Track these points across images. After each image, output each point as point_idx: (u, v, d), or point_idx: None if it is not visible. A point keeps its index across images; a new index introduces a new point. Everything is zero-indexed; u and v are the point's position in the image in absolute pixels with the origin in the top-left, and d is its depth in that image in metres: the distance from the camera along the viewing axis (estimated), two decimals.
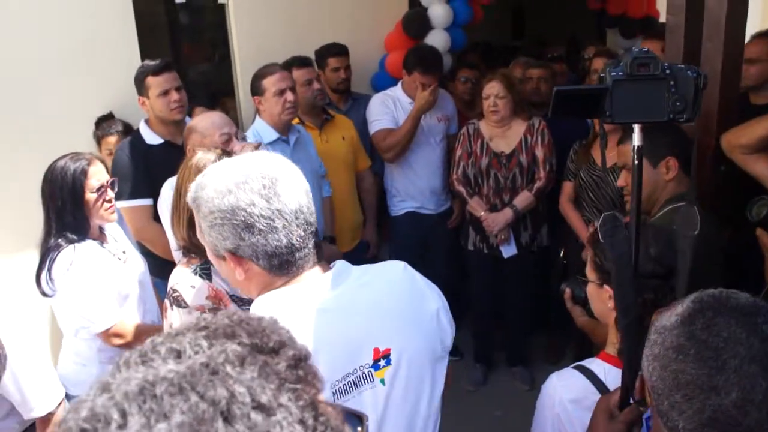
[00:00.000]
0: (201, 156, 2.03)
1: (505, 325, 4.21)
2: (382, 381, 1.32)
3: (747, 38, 2.91)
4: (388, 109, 3.87)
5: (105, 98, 3.51)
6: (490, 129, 3.73)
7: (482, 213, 3.69)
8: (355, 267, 1.45)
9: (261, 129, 3.18)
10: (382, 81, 4.30)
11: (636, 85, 1.21)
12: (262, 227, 1.24)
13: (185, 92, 3.16)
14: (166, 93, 3.05)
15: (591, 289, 1.72)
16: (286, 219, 1.25)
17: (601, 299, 1.68)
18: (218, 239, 1.28)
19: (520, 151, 3.67)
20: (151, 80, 3.06)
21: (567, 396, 1.58)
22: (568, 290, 1.95)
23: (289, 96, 3.12)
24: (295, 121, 3.46)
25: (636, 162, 1.25)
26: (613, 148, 3.15)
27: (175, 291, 1.87)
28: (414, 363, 1.37)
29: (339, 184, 3.66)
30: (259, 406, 0.55)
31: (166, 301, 1.89)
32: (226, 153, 2.08)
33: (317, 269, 1.35)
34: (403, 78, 3.91)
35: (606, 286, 1.65)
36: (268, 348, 0.61)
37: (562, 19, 7.88)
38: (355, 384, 1.29)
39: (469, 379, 4.15)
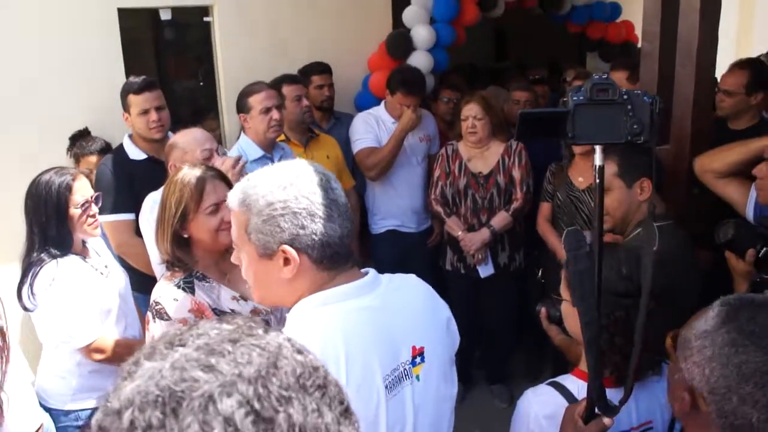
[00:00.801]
0: (187, 171, 2.06)
1: (484, 344, 4.25)
2: (418, 377, 1.40)
3: (721, 65, 3.00)
4: (371, 128, 3.93)
5: (88, 114, 3.53)
6: (468, 150, 3.80)
7: (459, 233, 3.74)
8: (382, 276, 1.52)
9: (246, 146, 3.21)
10: (365, 100, 4.36)
11: (596, 109, 1.28)
12: (322, 215, 1.31)
13: (168, 111, 3.19)
14: (146, 112, 3.09)
15: (565, 308, 1.76)
16: (340, 210, 1.34)
17: (575, 317, 1.72)
18: (274, 232, 1.31)
19: (498, 171, 3.73)
20: (132, 98, 3.10)
21: (542, 412, 1.62)
22: (543, 310, 1.99)
23: (275, 114, 3.17)
24: (280, 138, 3.50)
25: (598, 181, 1.32)
26: (589, 168, 3.23)
27: (158, 304, 1.89)
28: (440, 362, 1.46)
29: None
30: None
31: (149, 314, 1.91)
32: (210, 168, 2.11)
33: (355, 269, 1.42)
34: (386, 98, 3.97)
35: None
36: (315, 385, 0.67)
37: (544, 43, 7.99)
38: (399, 379, 1.37)
39: None
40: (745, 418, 0.98)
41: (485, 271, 3.77)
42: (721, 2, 2.51)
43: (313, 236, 1.31)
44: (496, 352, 4.20)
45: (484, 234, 3.70)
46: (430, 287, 1.58)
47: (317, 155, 3.73)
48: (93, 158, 3.41)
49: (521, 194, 3.71)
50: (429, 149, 4.12)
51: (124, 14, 3.69)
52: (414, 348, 1.40)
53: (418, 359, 1.40)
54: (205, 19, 4.09)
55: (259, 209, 1.32)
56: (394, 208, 4.05)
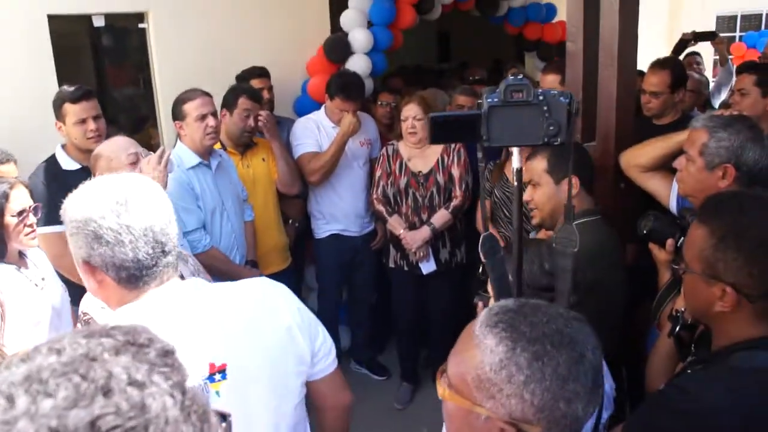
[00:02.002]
0: None
1: (431, 342, 4.30)
2: (218, 393, 1.40)
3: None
4: (312, 133, 3.94)
5: (17, 123, 3.44)
6: (408, 150, 3.85)
7: (401, 231, 3.80)
8: (211, 284, 1.56)
9: (182, 154, 3.19)
10: (305, 105, 4.37)
11: (511, 111, 1.25)
12: (109, 239, 1.33)
13: (104, 120, 3.15)
14: (83, 122, 3.05)
15: (492, 304, 1.80)
16: (134, 235, 1.34)
17: None
18: (76, 247, 1.36)
19: (438, 170, 3.80)
20: (68, 107, 3.04)
21: None
22: (480, 304, 2.03)
23: (211, 121, 3.15)
24: (217, 145, 3.49)
25: (515, 183, 1.32)
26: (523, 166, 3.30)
27: (86, 314, 1.88)
28: (253, 378, 1.45)
29: (262, 207, 3.70)
30: (134, 382, 0.64)
31: (78, 325, 1.90)
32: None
33: (168, 286, 1.43)
34: (326, 103, 3.99)
35: None
36: (139, 342, 0.70)
37: (485, 44, 8.12)
38: None
39: (397, 398, 4.22)
40: (574, 415, 0.99)
41: (427, 267, 3.84)
42: (639, 3, 2.59)
43: (103, 257, 1.35)
44: (442, 349, 4.24)
45: (424, 232, 3.77)
46: (278, 293, 1.59)
47: (254, 162, 3.74)
48: (7, 168, 3.26)
49: (460, 192, 3.78)
50: (370, 153, 4.16)
51: (56, 21, 3.62)
52: (212, 365, 1.40)
53: (217, 376, 1.40)
54: (140, 25, 4.04)
55: (66, 224, 1.38)
56: (337, 211, 4.07)
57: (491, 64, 7.45)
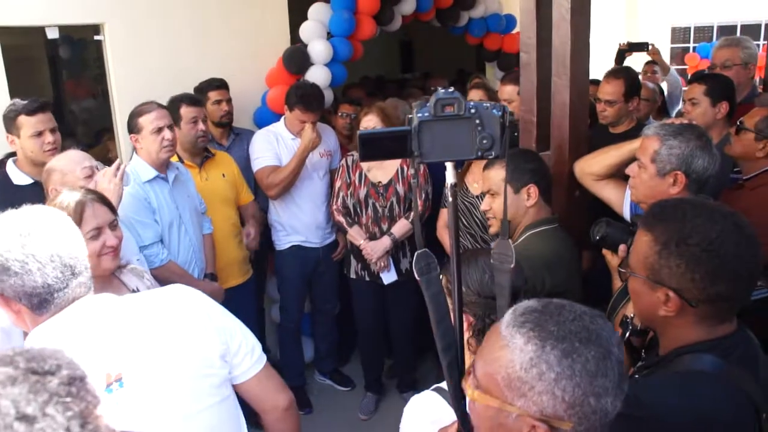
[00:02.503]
0: (65, 195, 2.01)
1: (394, 351, 4.31)
2: (117, 403, 1.44)
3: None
4: (271, 145, 3.93)
5: None
6: None
7: (361, 242, 3.80)
8: (122, 297, 1.61)
9: (139, 167, 3.14)
10: (264, 116, 4.34)
11: (443, 125, 1.22)
12: (17, 270, 1.40)
13: (59, 133, 3.10)
14: (39, 134, 3.00)
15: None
16: (41, 262, 1.42)
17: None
18: None
19: (397, 180, 3.81)
20: (23, 120, 2.99)
21: (428, 417, 1.66)
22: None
23: (167, 134, 3.11)
24: (175, 158, 3.45)
25: (450, 199, 1.28)
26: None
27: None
28: (152, 384, 1.49)
29: (221, 220, 3.66)
30: (22, 417, 0.62)
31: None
32: (90, 191, 2.07)
33: (78, 304, 1.50)
34: (285, 114, 3.97)
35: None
36: (44, 370, 0.68)
37: (449, 54, 8.19)
38: None
39: (361, 409, 4.21)
40: (603, 410, 1.01)
41: (388, 277, 3.84)
42: (590, 13, 2.64)
43: (14, 287, 1.42)
44: (405, 359, 4.26)
45: (385, 242, 3.77)
46: (187, 299, 1.64)
47: (212, 174, 3.70)
48: None
49: (420, 202, 3.80)
50: (330, 164, 4.15)
51: (8, 33, 3.55)
52: (109, 375, 1.45)
53: (115, 386, 1.45)
54: (96, 37, 3.98)
55: None
56: (297, 223, 4.05)
57: (455, 75, 7.52)
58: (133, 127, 3.15)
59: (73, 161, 2.53)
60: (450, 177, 1.27)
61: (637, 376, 1.59)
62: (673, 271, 1.41)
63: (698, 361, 1.42)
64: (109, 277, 2.02)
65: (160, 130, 3.10)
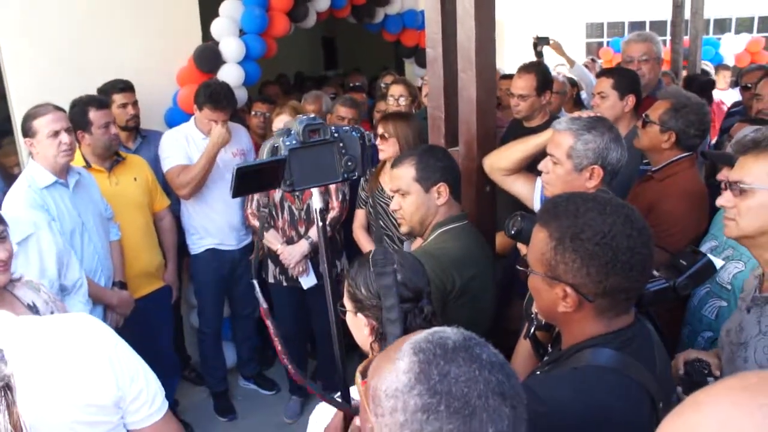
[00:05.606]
0: None
1: (318, 354, 4.25)
2: None
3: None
4: (180, 145, 3.80)
5: None
6: None
7: (279, 246, 3.71)
8: (19, 319, 1.49)
9: (35, 172, 2.98)
10: (176, 116, 4.20)
11: (310, 151, 1.25)
12: None
13: None
14: None
15: (349, 318, 1.77)
16: None
17: (358, 327, 1.74)
18: None
19: None
20: None
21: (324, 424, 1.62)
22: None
23: (64, 137, 2.95)
24: (80, 162, 3.29)
25: (320, 224, 1.32)
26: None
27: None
28: (36, 426, 1.36)
29: (132, 226, 3.52)
30: None
31: None
32: None
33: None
34: (195, 114, 3.85)
35: (360, 315, 1.72)
36: None
37: (371, 51, 8.17)
38: None
39: (286, 412, 4.15)
40: None
41: (307, 282, 3.77)
42: (494, 8, 2.63)
43: None
44: (330, 361, 4.20)
45: (302, 246, 3.70)
46: (85, 337, 1.52)
47: (123, 179, 3.55)
48: None
49: (337, 203, 3.74)
50: None
51: None
52: None
53: None
54: None
55: None
56: (211, 226, 3.93)
57: (379, 72, 7.49)
58: (27, 131, 2.98)
59: None
60: (317, 202, 1.33)
61: (538, 372, 1.58)
62: (569, 266, 1.40)
63: (596, 354, 1.41)
64: (0, 292, 1.88)
65: (56, 133, 2.94)
